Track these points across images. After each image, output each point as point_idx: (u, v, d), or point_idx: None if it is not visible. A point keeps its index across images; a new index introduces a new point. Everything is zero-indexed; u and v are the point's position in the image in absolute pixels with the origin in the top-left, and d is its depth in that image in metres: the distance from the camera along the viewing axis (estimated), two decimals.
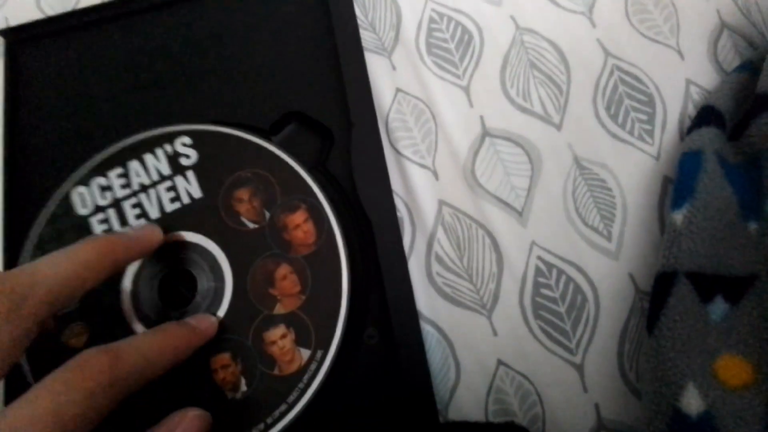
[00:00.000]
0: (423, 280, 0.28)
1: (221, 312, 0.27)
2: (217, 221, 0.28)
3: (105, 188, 0.29)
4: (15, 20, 0.34)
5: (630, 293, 0.27)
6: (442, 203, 0.29)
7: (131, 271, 0.27)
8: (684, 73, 0.30)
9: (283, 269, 0.27)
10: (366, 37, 0.32)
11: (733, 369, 0.23)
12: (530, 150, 0.29)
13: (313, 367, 0.26)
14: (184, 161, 0.29)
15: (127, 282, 0.27)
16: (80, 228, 0.28)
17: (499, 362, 0.27)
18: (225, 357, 0.26)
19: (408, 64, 0.31)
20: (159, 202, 0.28)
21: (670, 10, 0.31)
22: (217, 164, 0.29)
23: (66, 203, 0.29)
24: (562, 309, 0.27)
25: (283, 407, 0.26)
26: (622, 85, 0.30)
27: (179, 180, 0.29)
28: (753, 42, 0.30)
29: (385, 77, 0.31)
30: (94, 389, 0.17)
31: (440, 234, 0.29)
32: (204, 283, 0.27)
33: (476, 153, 0.30)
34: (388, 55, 0.32)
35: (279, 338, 0.26)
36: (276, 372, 0.26)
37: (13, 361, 0.17)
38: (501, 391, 0.26)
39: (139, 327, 0.27)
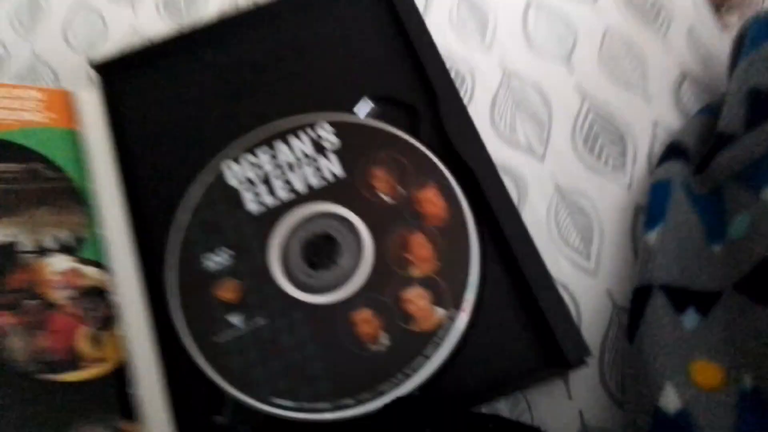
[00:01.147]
0: None
1: (362, 274, 0.29)
2: (357, 195, 0.31)
3: (254, 164, 0.32)
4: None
5: (608, 308, 0.29)
6: None
7: (280, 234, 0.30)
8: (651, 115, 0.33)
9: (418, 237, 0.30)
10: None
11: (706, 372, 0.25)
12: (517, 178, 0.32)
13: (448, 324, 0.28)
14: (326, 144, 0.32)
15: (276, 243, 0.30)
16: (232, 198, 0.32)
17: None
18: (367, 313, 0.28)
19: None
20: (305, 178, 0.32)
21: (638, 60, 0.35)
22: (356, 147, 0.32)
23: (219, 177, 0.32)
24: None
25: (420, 359, 0.28)
26: (597, 123, 0.33)
27: (322, 160, 0.32)
28: (711, 89, 0.34)
29: None
30: None
31: None
32: (346, 248, 0.30)
33: None
34: None
35: (415, 298, 0.29)
36: (413, 328, 0.28)
37: None
38: None
39: (285, 284, 0.30)
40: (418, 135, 0.32)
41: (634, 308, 0.27)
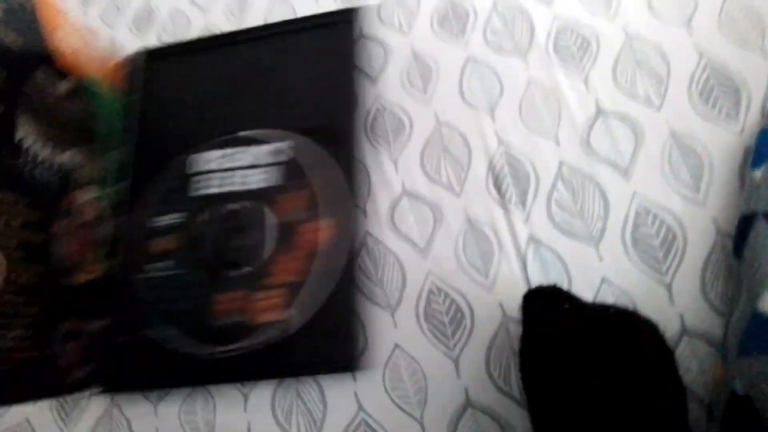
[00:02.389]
0: None
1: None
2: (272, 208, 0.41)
3: (210, 160, 0.44)
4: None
5: (713, 233, 0.34)
6: None
7: (204, 216, 0.43)
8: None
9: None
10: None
11: None
12: (635, 125, 0.38)
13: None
14: (279, 156, 0.43)
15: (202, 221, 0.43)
16: (185, 184, 0.43)
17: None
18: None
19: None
20: (246, 180, 0.42)
21: (758, 17, 0.38)
22: (302, 163, 0.42)
23: (181, 167, 0.44)
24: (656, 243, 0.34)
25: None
26: (713, 77, 0.37)
27: (270, 168, 0.42)
28: None
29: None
30: None
31: None
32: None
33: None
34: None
35: (266, 298, 0.40)
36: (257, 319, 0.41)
37: None
38: None
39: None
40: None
41: (739, 232, 0.31)
